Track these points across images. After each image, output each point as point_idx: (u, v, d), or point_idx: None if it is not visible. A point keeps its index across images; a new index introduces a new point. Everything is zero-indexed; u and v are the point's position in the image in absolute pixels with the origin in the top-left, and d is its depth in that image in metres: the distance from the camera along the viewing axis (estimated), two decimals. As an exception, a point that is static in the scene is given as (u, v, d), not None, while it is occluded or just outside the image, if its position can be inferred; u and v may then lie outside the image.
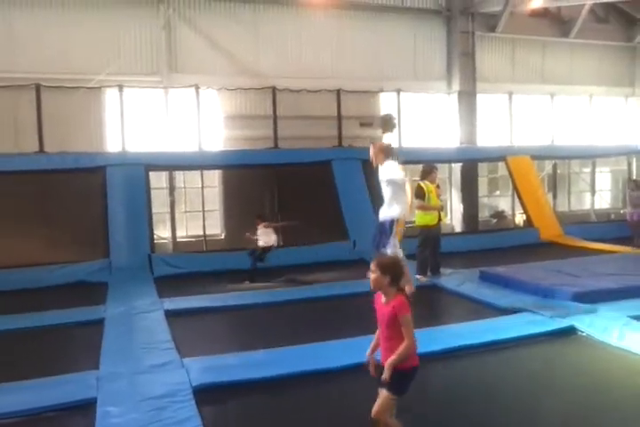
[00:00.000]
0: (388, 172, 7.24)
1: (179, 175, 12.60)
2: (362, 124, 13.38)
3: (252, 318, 7.14)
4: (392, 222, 7.09)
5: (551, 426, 4.03)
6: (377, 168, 7.47)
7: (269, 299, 7.81)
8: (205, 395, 4.52)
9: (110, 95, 11.97)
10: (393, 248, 7.07)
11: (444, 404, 4.44)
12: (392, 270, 3.45)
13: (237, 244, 11.66)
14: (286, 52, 13.30)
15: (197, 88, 11.95)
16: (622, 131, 17.14)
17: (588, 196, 16.86)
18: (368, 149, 7.75)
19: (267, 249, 9.50)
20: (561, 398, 4.51)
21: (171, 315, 6.96)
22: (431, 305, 7.56)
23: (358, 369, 4.81)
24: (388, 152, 7.35)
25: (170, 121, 12.40)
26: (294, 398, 4.63)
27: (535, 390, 4.69)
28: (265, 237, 9.47)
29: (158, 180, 12.11)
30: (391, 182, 7.19)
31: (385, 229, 7.10)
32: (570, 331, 6.07)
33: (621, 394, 4.55)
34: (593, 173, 16.63)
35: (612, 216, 17.01)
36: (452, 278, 8.62)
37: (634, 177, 17.12)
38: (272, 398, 4.64)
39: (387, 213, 7.20)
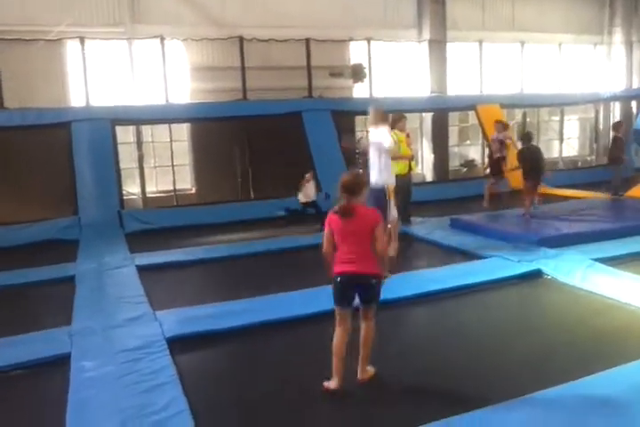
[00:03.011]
0: (381, 137, 7.35)
1: (146, 129, 12.35)
2: (332, 75, 13.14)
3: (221, 271, 7.21)
4: (385, 191, 7.27)
5: (518, 364, 4.19)
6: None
7: (238, 251, 7.85)
8: (179, 346, 4.60)
9: (72, 48, 11.53)
10: (393, 210, 7.38)
11: (416, 345, 4.58)
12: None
13: (208, 198, 11.63)
14: (253, 1, 12.87)
15: (162, 39, 11.56)
16: (590, 79, 17.17)
17: (556, 144, 17.01)
18: (338, 99, 7.80)
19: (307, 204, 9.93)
20: (527, 337, 4.68)
21: (142, 270, 6.97)
22: (403, 252, 7.64)
23: (325, 317, 4.95)
24: (383, 118, 7.59)
25: (135, 74, 12.04)
26: (265, 345, 4.74)
27: (503, 330, 4.87)
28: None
29: (125, 134, 11.85)
30: (382, 149, 7.32)
31: (381, 196, 7.26)
32: (536, 274, 6.26)
33: (584, 332, 4.74)
34: (561, 121, 16.73)
35: (580, 164, 17.27)
36: (423, 226, 8.74)
37: (601, 125, 17.32)
38: (243, 346, 4.74)
39: (380, 179, 7.33)
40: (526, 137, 9.56)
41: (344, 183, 3.59)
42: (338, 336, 3.71)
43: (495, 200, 10.15)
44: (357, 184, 3.61)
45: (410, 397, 3.76)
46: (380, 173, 7.32)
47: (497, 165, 10.33)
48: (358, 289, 3.65)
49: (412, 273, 6.38)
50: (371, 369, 3.74)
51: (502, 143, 10.39)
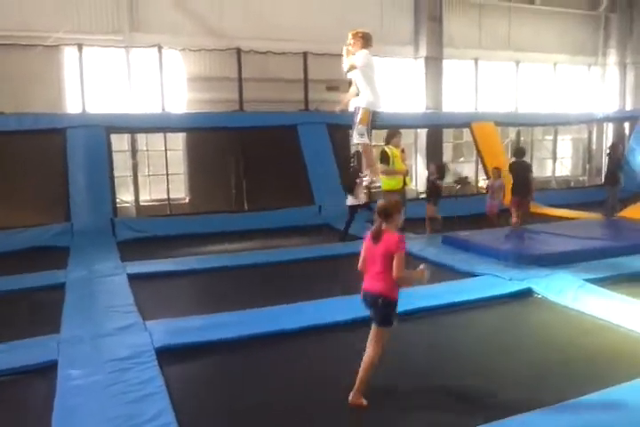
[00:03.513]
0: (358, 59, 6.95)
1: (141, 138, 12.34)
2: (328, 88, 13.23)
3: (214, 282, 7.16)
4: (357, 110, 7.03)
5: (507, 383, 4.17)
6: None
7: (231, 263, 7.81)
8: (168, 356, 4.56)
9: (69, 54, 11.55)
10: (358, 137, 7.09)
11: (406, 363, 4.54)
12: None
13: (202, 207, 11.60)
14: (252, 13, 12.94)
15: (160, 48, 11.62)
16: (584, 99, 17.35)
17: (549, 163, 17.14)
18: (333, 113, 7.80)
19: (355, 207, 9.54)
20: (519, 357, 4.67)
21: (133, 279, 6.92)
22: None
23: (317, 331, 4.94)
24: (366, 41, 7.06)
25: (132, 82, 12.07)
26: (254, 358, 4.70)
27: (493, 349, 4.85)
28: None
29: (120, 142, 11.84)
30: (361, 70, 6.95)
31: (353, 117, 7.14)
32: (527, 293, 6.26)
33: (575, 353, 4.73)
34: (555, 140, 16.87)
35: (572, 184, 17.40)
36: (416, 243, 8.71)
37: (594, 146, 17.46)
38: (233, 358, 4.70)
39: (357, 102, 7.14)
40: (518, 152, 9.65)
41: (379, 208, 3.90)
42: None
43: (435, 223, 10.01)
44: (391, 210, 3.88)
45: (398, 416, 3.72)
46: (360, 96, 7.08)
47: (435, 189, 10.08)
48: (371, 307, 3.89)
49: (403, 289, 6.35)
50: (363, 401, 3.74)
51: (500, 189, 10.50)
